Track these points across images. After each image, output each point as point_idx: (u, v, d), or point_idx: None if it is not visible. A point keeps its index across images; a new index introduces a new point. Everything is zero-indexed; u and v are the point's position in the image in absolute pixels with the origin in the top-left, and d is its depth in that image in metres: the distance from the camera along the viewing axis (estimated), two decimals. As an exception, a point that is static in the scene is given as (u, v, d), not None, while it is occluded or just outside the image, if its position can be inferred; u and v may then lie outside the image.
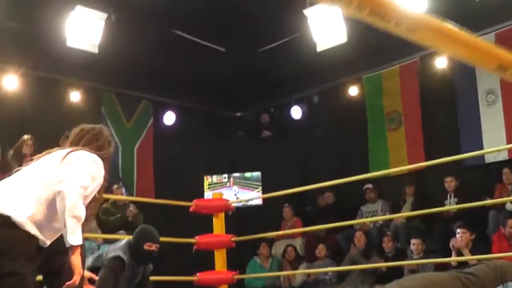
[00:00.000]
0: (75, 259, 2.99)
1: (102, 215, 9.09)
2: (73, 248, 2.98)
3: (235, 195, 11.52)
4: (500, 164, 8.86)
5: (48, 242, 3.11)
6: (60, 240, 3.05)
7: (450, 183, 8.86)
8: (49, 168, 3.27)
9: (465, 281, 3.04)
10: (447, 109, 9.86)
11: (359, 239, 8.91)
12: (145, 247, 4.80)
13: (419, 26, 1.85)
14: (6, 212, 2.98)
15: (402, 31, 1.83)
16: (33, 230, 3.02)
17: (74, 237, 2.96)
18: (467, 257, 6.99)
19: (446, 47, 2.04)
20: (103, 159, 3.46)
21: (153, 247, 4.83)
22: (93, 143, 3.53)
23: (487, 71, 2.33)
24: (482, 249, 7.28)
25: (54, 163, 3.27)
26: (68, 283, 2.99)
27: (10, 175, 9.54)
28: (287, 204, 10.56)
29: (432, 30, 1.88)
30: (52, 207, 3.06)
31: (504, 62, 2.06)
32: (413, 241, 8.14)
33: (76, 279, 2.98)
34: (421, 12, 1.92)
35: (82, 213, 3.02)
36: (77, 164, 3.22)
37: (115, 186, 9.43)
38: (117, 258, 4.69)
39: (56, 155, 3.34)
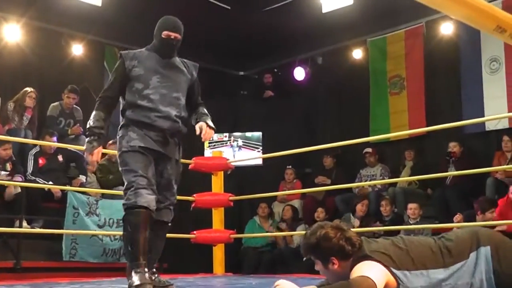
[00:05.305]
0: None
1: (100, 173, 8.94)
2: None
3: (234, 153, 11.46)
4: (500, 132, 8.83)
5: None
6: None
7: (453, 148, 8.81)
8: None
9: (439, 244, 3.18)
10: (450, 75, 9.80)
11: (360, 209, 8.83)
12: (163, 36, 4.71)
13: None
14: None
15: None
16: None
17: None
18: (461, 223, 7.03)
19: (445, 5, 2.01)
20: None
21: (172, 36, 4.69)
22: None
23: (488, 34, 2.31)
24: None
25: None
26: None
27: (10, 127, 9.47)
28: (290, 166, 10.52)
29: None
30: None
31: (502, 23, 2.04)
32: (409, 205, 8.16)
33: None
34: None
35: None
36: None
37: (110, 142, 8.83)
38: None
39: None
